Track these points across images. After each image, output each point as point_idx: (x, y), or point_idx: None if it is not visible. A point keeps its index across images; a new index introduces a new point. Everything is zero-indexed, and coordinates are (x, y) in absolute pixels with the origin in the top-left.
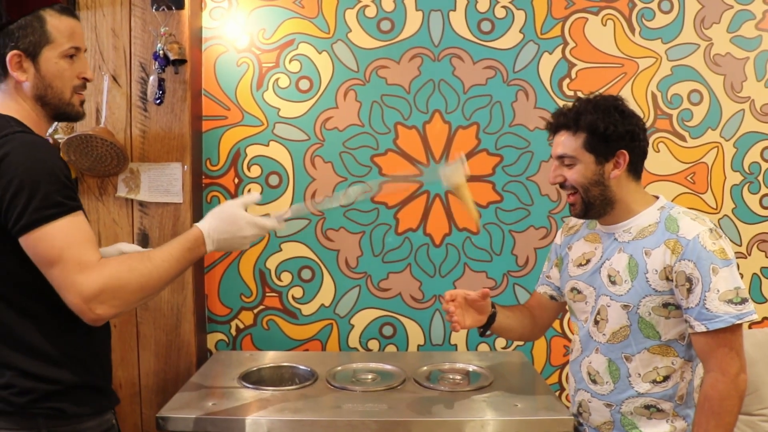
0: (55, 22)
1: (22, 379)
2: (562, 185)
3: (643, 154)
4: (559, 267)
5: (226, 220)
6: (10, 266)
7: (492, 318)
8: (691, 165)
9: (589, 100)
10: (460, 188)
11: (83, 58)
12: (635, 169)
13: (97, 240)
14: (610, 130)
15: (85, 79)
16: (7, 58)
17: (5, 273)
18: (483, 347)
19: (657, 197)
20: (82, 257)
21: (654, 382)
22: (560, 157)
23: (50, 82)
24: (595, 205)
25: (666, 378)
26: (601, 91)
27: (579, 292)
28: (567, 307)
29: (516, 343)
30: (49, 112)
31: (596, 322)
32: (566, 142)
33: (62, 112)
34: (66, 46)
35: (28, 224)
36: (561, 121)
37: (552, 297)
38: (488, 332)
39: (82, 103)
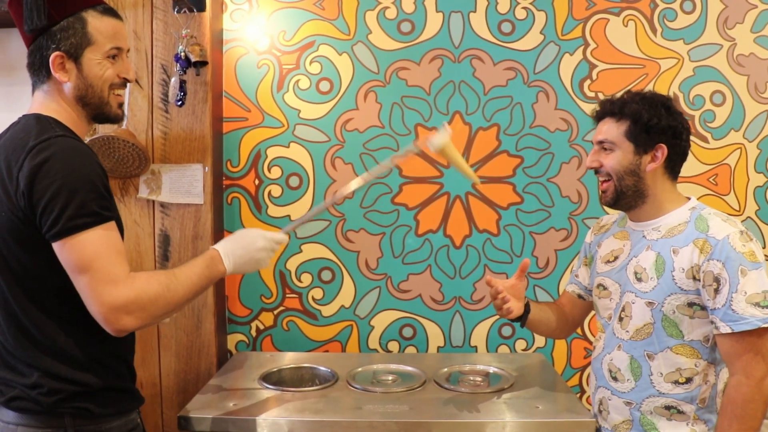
0: (96, 23)
1: (49, 380)
2: (598, 171)
3: (683, 155)
4: (589, 266)
5: (238, 237)
6: (42, 270)
7: (527, 307)
8: (713, 166)
9: (638, 93)
10: (447, 150)
11: (125, 58)
12: (673, 167)
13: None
14: (653, 122)
15: (125, 80)
16: (50, 59)
17: (38, 276)
18: (503, 349)
19: (689, 198)
20: (112, 268)
21: (676, 383)
22: (600, 143)
23: (91, 82)
24: (627, 195)
25: (689, 380)
26: (621, 92)
27: (605, 288)
28: (594, 306)
29: (536, 344)
30: (90, 113)
31: (620, 319)
32: (609, 129)
33: (101, 112)
34: (107, 47)
35: (62, 231)
36: (607, 108)
37: (580, 296)
38: (526, 323)
39: (120, 105)
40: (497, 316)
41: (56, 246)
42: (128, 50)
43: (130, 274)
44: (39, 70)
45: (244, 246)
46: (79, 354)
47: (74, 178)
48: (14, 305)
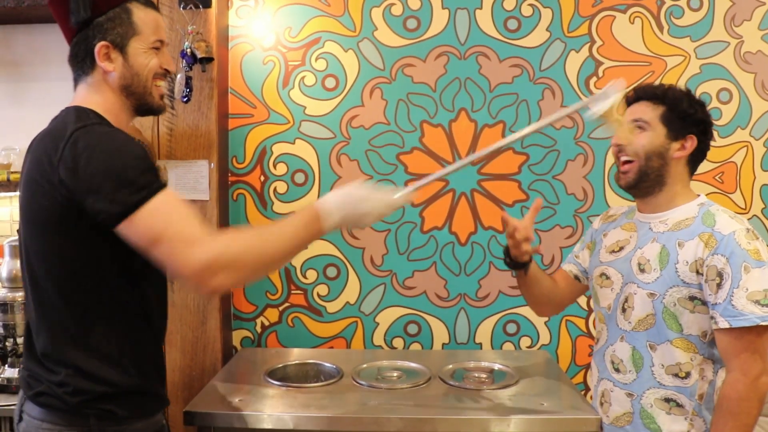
0: (141, 14)
1: (76, 378)
2: (621, 150)
3: (704, 153)
4: (591, 250)
5: (345, 195)
6: (77, 265)
7: (530, 258)
8: (719, 164)
9: (676, 86)
10: (612, 116)
11: (166, 51)
12: (694, 161)
13: None
14: (690, 111)
15: (167, 71)
16: (96, 48)
17: (71, 271)
18: (508, 346)
19: (699, 195)
20: (186, 231)
21: (676, 376)
22: (634, 121)
23: (137, 71)
24: (649, 178)
25: (688, 374)
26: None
27: (607, 277)
28: (592, 296)
29: (541, 342)
30: (133, 103)
31: (623, 310)
32: (645, 109)
33: (144, 102)
34: (152, 39)
35: (122, 212)
36: (648, 91)
37: (576, 277)
38: (528, 272)
39: (162, 96)
40: (502, 313)
41: (121, 229)
42: (168, 44)
43: (210, 233)
44: (83, 62)
45: (349, 207)
46: (110, 351)
47: (117, 159)
48: (51, 298)
